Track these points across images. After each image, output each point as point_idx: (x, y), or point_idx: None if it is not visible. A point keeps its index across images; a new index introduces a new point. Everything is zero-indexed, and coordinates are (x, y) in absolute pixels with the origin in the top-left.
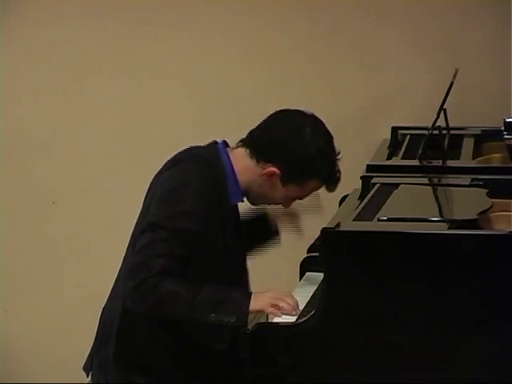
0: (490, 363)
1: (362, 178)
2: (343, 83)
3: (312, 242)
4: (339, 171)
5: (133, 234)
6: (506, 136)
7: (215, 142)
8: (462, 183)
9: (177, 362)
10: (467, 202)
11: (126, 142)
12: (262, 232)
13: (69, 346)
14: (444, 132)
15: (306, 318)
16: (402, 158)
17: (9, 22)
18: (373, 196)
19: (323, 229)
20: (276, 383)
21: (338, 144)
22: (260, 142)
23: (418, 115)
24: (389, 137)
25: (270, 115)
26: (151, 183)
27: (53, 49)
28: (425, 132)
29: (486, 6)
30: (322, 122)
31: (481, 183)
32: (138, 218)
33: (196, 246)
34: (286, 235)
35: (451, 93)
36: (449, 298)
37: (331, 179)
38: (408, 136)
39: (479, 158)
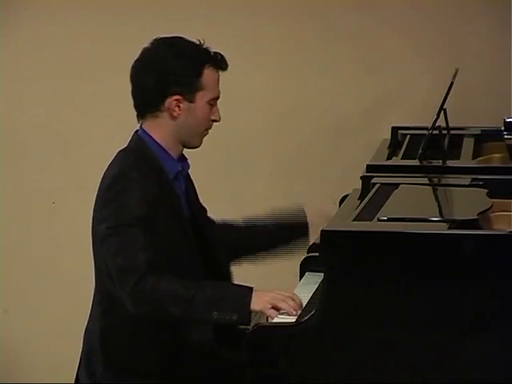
0: (490, 363)
1: (361, 178)
2: (343, 83)
3: (312, 242)
4: (214, 51)
5: (92, 242)
6: (506, 136)
7: (135, 132)
8: (462, 183)
9: (167, 363)
10: (467, 201)
11: (126, 142)
12: (291, 235)
13: (69, 346)
14: (444, 132)
15: (306, 318)
16: (402, 158)
17: (9, 21)
18: (373, 196)
19: (323, 229)
20: (276, 383)
21: (338, 144)
22: (143, 96)
23: (418, 115)
24: (389, 137)
25: (130, 77)
26: None
27: (53, 49)
28: (425, 132)
29: (486, 6)
30: (165, 36)
31: (481, 183)
32: (92, 228)
33: (155, 231)
34: None
35: (451, 93)
36: (449, 298)
37: (215, 59)
38: (408, 136)
39: (479, 158)
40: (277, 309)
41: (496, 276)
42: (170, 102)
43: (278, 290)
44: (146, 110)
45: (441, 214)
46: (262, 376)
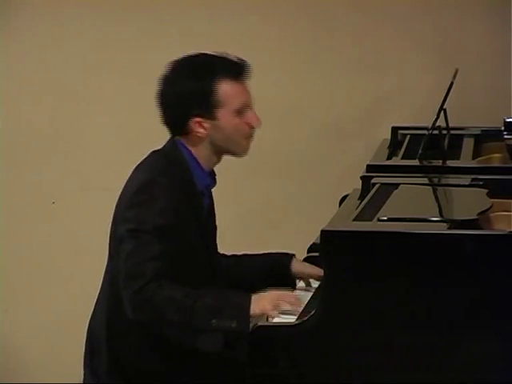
0: (490, 363)
1: (362, 178)
2: (343, 83)
3: (312, 241)
4: (229, 59)
5: (110, 239)
6: (505, 136)
7: (171, 138)
8: (462, 183)
9: (171, 364)
10: (467, 202)
11: (126, 142)
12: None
13: (69, 346)
14: (444, 132)
15: (306, 318)
16: (402, 158)
17: (9, 21)
18: (373, 196)
19: (323, 229)
20: (276, 383)
21: (338, 144)
22: (166, 122)
23: (418, 115)
24: (389, 137)
25: (157, 100)
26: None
27: (53, 49)
28: (425, 132)
29: (486, 6)
30: (183, 57)
31: (481, 183)
32: (112, 224)
33: (176, 240)
34: (285, 235)
35: (451, 93)
36: (449, 298)
37: (226, 70)
38: (408, 136)
39: (479, 158)
40: (278, 308)
41: (496, 276)
42: (193, 124)
43: (274, 291)
44: (174, 131)
45: (441, 214)
46: (262, 376)
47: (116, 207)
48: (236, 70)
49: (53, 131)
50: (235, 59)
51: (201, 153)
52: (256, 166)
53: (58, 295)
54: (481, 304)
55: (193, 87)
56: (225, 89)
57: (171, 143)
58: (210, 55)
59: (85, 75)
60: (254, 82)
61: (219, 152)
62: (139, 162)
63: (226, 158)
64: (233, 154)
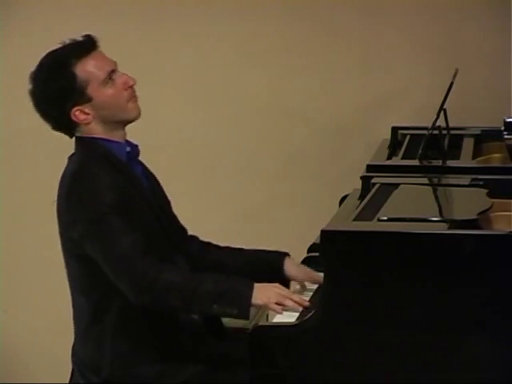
0: (490, 363)
1: (362, 178)
2: (343, 83)
3: (312, 242)
4: (72, 41)
5: (62, 246)
6: (505, 136)
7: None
8: (461, 183)
9: (170, 364)
10: (467, 201)
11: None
12: (268, 271)
13: (69, 346)
14: (444, 132)
15: (306, 317)
16: (402, 158)
17: (9, 21)
18: (373, 196)
19: (323, 229)
20: (276, 383)
21: (338, 144)
22: (53, 125)
23: (418, 115)
24: (389, 137)
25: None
26: None
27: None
28: (425, 132)
29: (486, 6)
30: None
31: (481, 183)
32: (61, 237)
33: (131, 214)
34: (285, 235)
35: (451, 93)
36: (449, 298)
37: (74, 50)
38: (408, 136)
39: (479, 158)
40: (281, 305)
41: (496, 276)
42: (74, 116)
43: (277, 285)
44: (68, 131)
45: (441, 214)
46: (261, 376)
47: (59, 222)
48: (80, 47)
49: (52, 131)
50: (77, 39)
51: (100, 133)
52: (256, 166)
53: (57, 295)
54: (481, 304)
55: (53, 85)
56: (80, 68)
57: (76, 142)
58: (53, 50)
59: None
60: (254, 82)
61: (115, 124)
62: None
63: (224, 158)
64: (127, 120)
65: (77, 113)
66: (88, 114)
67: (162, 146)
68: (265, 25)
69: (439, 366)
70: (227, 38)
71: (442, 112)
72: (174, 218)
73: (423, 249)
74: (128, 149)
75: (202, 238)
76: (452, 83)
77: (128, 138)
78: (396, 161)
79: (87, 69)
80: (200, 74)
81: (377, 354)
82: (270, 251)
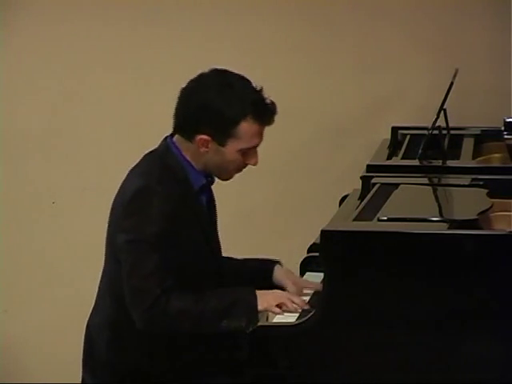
0: (490, 363)
1: (362, 178)
2: (343, 83)
3: (312, 241)
4: (264, 99)
5: (107, 242)
6: (505, 136)
7: (165, 138)
8: (461, 183)
9: (171, 364)
10: (467, 202)
11: (126, 142)
12: (261, 278)
13: (69, 346)
14: (444, 132)
15: (306, 317)
16: (402, 158)
17: (9, 21)
18: (373, 196)
19: (323, 229)
20: (276, 383)
21: (338, 144)
22: (178, 121)
23: (418, 115)
24: (389, 137)
25: (178, 94)
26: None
27: (53, 49)
28: (425, 132)
29: (486, 6)
30: (224, 70)
31: (481, 183)
32: (108, 227)
33: (177, 244)
34: (285, 235)
35: (451, 93)
36: (449, 298)
37: (258, 113)
38: (408, 136)
39: (479, 158)
40: (281, 306)
41: (496, 276)
42: (199, 139)
43: (277, 290)
44: (178, 132)
45: (441, 214)
46: (262, 376)
47: (112, 210)
48: (266, 114)
49: (53, 131)
50: (268, 101)
51: (192, 159)
52: (256, 166)
53: (57, 295)
54: (481, 304)
55: (219, 109)
56: (246, 127)
57: (165, 145)
58: (248, 84)
59: (85, 75)
60: (253, 82)
61: (207, 168)
62: (133, 165)
63: None
64: (217, 176)
65: (203, 140)
66: (207, 149)
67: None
68: (265, 25)
69: (439, 366)
70: (227, 38)
71: (442, 112)
72: (218, 242)
73: (423, 249)
74: (204, 181)
75: None
76: (452, 83)
77: (127, 136)
78: (396, 161)
79: (249, 132)
80: None
81: (377, 354)
82: (259, 260)
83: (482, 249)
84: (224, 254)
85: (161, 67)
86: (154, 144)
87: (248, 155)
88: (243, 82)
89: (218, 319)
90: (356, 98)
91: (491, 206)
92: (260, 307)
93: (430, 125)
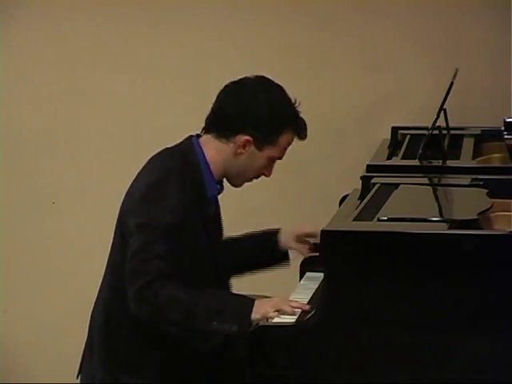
0: (490, 363)
1: (362, 177)
2: (343, 83)
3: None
4: (302, 117)
5: (116, 227)
6: (505, 136)
7: (190, 136)
8: (462, 183)
9: (170, 363)
10: (467, 201)
11: (126, 142)
12: (268, 251)
13: (69, 346)
14: (444, 132)
15: (306, 318)
16: (402, 158)
17: (9, 21)
18: (373, 196)
19: (323, 229)
20: (276, 383)
21: (338, 144)
22: (221, 119)
23: (418, 115)
24: (389, 137)
25: (219, 93)
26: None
27: (52, 49)
28: (425, 132)
29: (486, 6)
30: (268, 78)
31: (481, 183)
32: (120, 212)
33: (183, 240)
34: None
35: (451, 93)
36: (449, 298)
37: (299, 126)
38: (408, 136)
39: (479, 158)
40: (279, 311)
41: (496, 276)
42: (241, 139)
43: (278, 297)
44: (215, 130)
45: (441, 214)
46: (262, 376)
47: (126, 196)
48: (304, 129)
49: (53, 131)
50: (304, 121)
51: (215, 162)
52: None
53: (57, 295)
54: (481, 304)
55: (267, 114)
56: (286, 137)
57: (188, 143)
58: (289, 96)
59: (85, 75)
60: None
61: (226, 171)
62: (152, 155)
63: None
64: (229, 180)
65: (245, 141)
66: (245, 151)
67: (161, 144)
68: (265, 25)
69: (439, 366)
70: (227, 38)
71: (442, 112)
72: (221, 252)
73: (423, 249)
74: (216, 192)
75: None
76: (452, 83)
77: (128, 136)
78: (396, 161)
79: (286, 143)
80: (200, 74)
81: (377, 354)
82: (262, 233)
83: (482, 249)
84: None
85: (161, 67)
86: (154, 144)
87: (269, 166)
88: (285, 92)
89: (209, 319)
90: (356, 98)
91: (491, 206)
92: (257, 315)
93: (430, 125)
